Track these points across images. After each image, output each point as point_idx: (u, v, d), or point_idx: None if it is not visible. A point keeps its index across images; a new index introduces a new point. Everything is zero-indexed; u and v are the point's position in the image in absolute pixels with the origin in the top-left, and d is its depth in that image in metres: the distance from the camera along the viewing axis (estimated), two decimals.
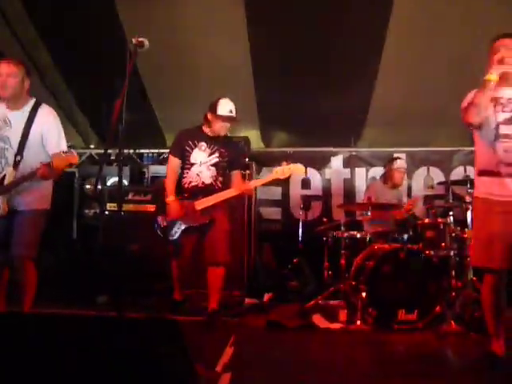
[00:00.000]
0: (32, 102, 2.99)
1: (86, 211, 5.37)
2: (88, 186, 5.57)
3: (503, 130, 2.55)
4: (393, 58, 4.57)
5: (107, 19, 4.33)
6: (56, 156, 2.78)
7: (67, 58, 4.93)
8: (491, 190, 2.56)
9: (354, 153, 6.02)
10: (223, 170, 3.71)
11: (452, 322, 3.45)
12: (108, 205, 5.01)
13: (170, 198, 3.60)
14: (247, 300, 4.45)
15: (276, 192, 6.04)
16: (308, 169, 5.99)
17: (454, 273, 3.71)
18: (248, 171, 5.02)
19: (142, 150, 6.07)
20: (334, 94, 4.95)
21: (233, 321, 3.72)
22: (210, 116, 3.63)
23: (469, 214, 3.74)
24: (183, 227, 3.61)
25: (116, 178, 5.41)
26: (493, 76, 2.46)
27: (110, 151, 5.31)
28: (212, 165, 3.67)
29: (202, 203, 3.60)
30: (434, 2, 4.14)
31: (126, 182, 5.46)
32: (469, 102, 2.54)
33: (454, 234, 3.79)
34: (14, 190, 2.89)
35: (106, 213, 5.03)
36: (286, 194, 6.03)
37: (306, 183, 6.02)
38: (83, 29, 4.46)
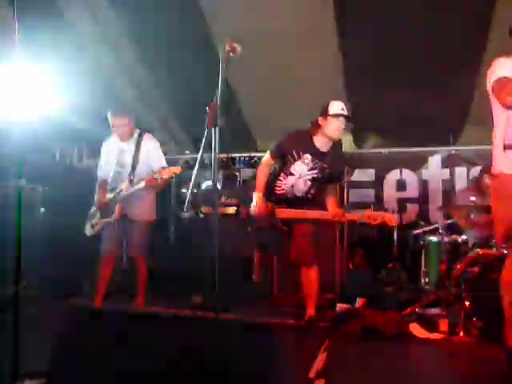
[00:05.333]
0: (137, 132, 3.87)
1: (183, 214, 5.59)
2: (183, 190, 5.80)
3: None
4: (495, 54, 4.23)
5: (197, 22, 4.39)
6: (162, 169, 3.51)
7: (161, 69, 5.09)
8: None
9: (453, 152, 5.66)
10: (319, 183, 3.62)
11: None
12: (203, 208, 5.18)
13: (258, 194, 3.55)
14: (339, 305, 4.33)
15: (369, 194, 5.86)
16: (403, 170, 5.77)
17: None
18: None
19: (234, 154, 6.17)
20: (431, 92, 4.69)
21: (326, 325, 3.64)
22: (321, 120, 3.48)
23: None
24: (255, 227, 3.60)
25: (209, 182, 5.58)
26: None
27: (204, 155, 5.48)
28: (309, 179, 3.59)
29: (284, 212, 3.55)
30: None
31: (218, 186, 5.61)
32: None
33: None
34: (127, 200, 3.71)
35: (201, 215, 5.19)
36: (379, 197, 5.83)
37: (401, 185, 5.77)
38: (173, 33, 4.56)
